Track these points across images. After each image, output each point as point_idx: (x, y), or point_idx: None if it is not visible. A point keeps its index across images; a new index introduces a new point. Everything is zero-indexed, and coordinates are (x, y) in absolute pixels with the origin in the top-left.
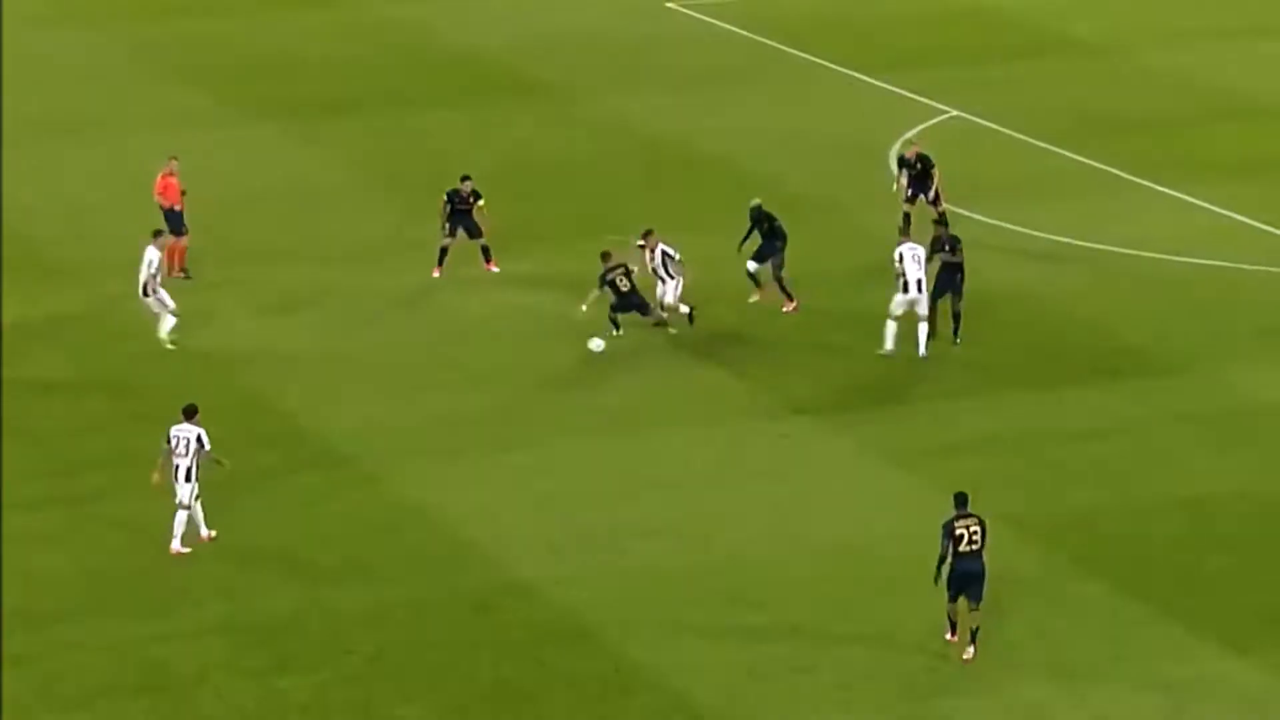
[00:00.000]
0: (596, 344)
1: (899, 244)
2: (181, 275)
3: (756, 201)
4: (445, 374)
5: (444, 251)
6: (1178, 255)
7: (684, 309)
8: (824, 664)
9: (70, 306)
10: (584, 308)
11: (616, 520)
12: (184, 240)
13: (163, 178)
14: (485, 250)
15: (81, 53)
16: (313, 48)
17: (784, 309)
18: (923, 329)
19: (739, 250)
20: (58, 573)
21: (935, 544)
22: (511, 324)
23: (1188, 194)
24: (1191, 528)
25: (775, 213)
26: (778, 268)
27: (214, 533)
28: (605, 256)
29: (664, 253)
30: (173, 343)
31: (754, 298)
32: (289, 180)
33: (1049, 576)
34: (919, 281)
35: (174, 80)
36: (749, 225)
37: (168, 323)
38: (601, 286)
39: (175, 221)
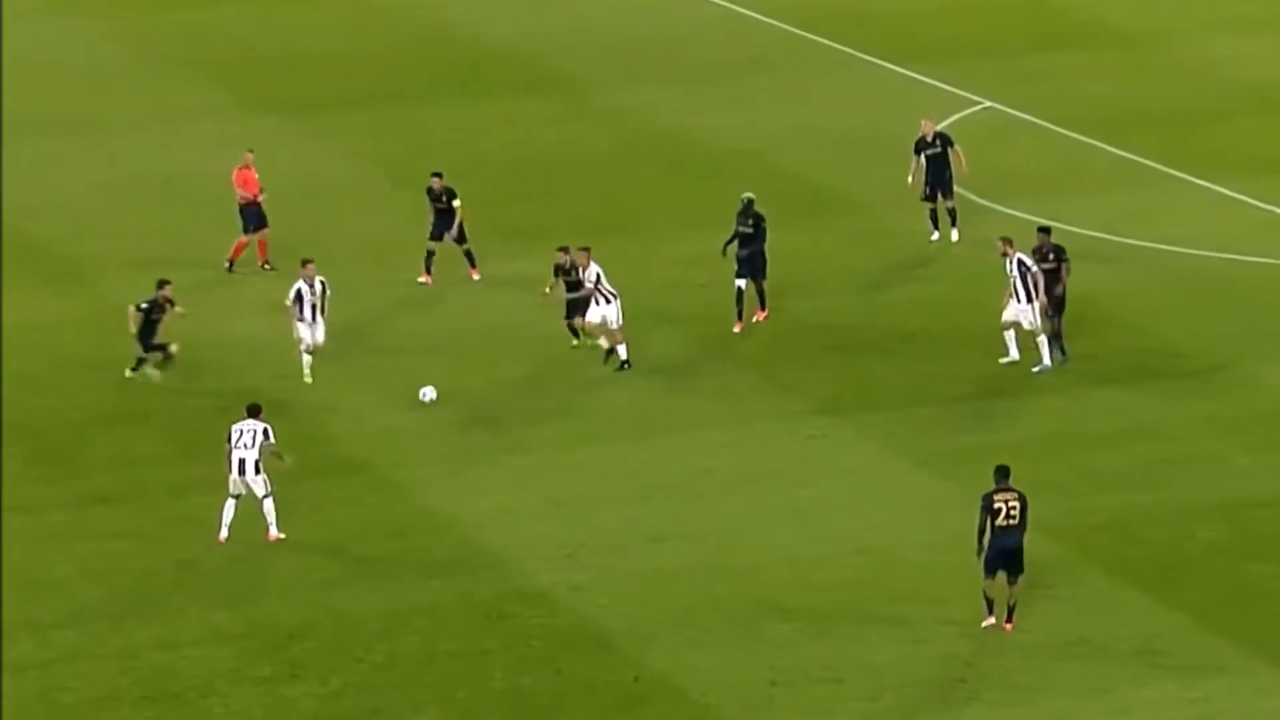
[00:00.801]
0: (427, 393)
1: (1011, 254)
2: (266, 268)
3: (749, 195)
4: (454, 375)
5: (429, 255)
6: (1217, 251)
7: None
8: (849, 673)
9: (73, 306)
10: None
11: (635, 525)
12: (258, 234)
13: (239, 170)
14: (469, 255)
15: (82, 46)
16: (318, 41)
17: (735, 328)
18: (1042, 342)
19: (723, 253)
20: (60, 578)
21: (966, 549)
22: (523, 324)
23: (1228, 188)
24: (1229, 533)
25: (764, 213)
26: (760, 280)
27: (283, 534)
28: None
29: (598, 275)
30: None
31: (757, 317)
32: (293, 177)
33: (1081, 583)
34: (1028, 292)
35: (176, 74)
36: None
37: (304, 359)
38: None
39: (252, 215)
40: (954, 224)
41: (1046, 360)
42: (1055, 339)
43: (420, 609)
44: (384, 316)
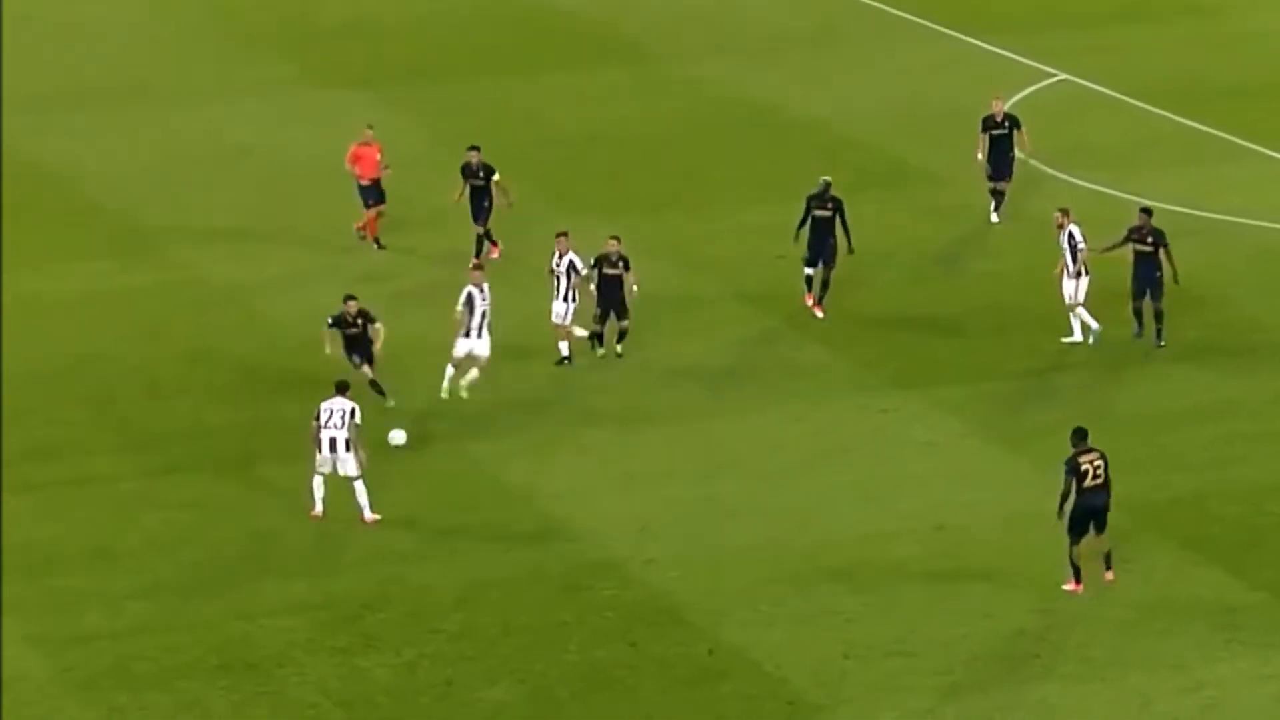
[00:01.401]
0: (398, 436)
1: (1065, 225)
2: (375, 245)
3: (827, 179)
4: (528, 349)
5: (487, 235)
6: None
7: (563, 345)
8: (922, 648)
9: (141, 276)
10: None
11: (707, 500)
12: (375, 210)
13: (356, 147)
14: (481, 238)
15: (157, 15)
16: (384, 12)
17: (807, 300)
18: (1081, 313)
19: (795, 238)
20: (131, 548)
21: (1039, 524)
22: (593, 299)
23: None
24: None
25: (843, 196)
26: (830, 268)
27: (379, 515)
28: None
29: (571, 263)
30: (459, 392)
31: (820, 314)
32: None
33: (1157, 559)
34: (1079, 268)
35: (244, 45)
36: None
37: (470, 375)
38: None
39: (366, 193)
40: (999, 206)
41: (1077, 334)
42: (1156, 321)
43: (494, 582)
44: (453, 290)
